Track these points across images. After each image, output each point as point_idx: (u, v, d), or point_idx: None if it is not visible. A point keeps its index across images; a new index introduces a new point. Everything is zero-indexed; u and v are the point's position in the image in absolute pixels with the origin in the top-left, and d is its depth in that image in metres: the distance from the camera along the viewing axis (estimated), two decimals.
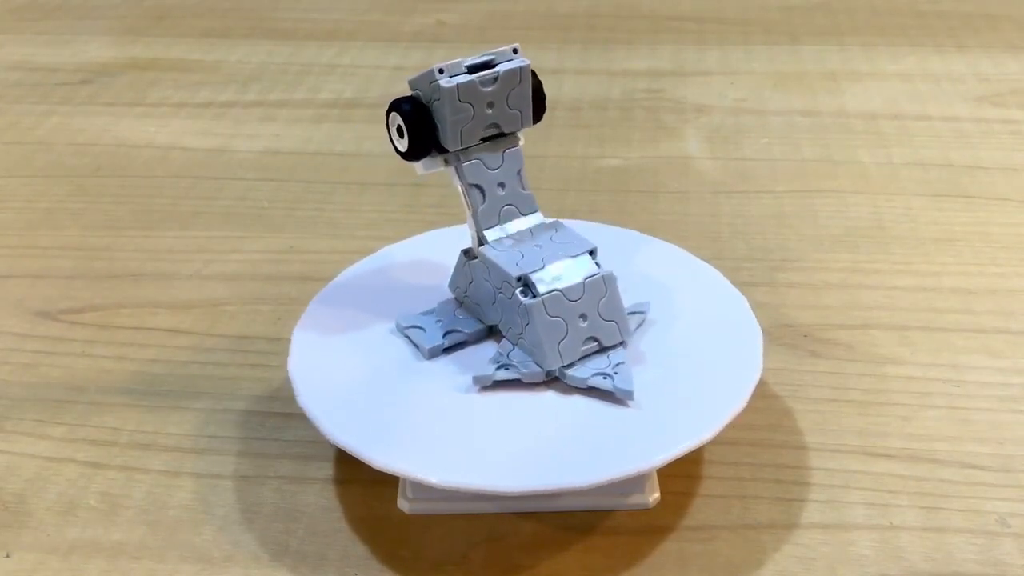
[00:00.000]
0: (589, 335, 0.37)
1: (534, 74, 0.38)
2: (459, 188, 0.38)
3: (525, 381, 0.37)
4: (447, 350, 0.39)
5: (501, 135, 0.38)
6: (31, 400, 0.44)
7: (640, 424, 0.35)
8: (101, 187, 0.61)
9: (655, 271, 0.42)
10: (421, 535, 0.37)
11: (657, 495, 0.38)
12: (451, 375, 0.38)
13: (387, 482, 0.38)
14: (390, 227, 0.55)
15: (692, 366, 0.37)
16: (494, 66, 0.37)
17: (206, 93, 0.72)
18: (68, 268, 0.53)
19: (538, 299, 0.36)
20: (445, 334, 0.39)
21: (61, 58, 0.79)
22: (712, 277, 0.42)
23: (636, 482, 0.37)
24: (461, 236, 0.44)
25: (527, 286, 0.37)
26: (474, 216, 0.38)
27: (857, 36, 0.79)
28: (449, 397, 0.37)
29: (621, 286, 0.38)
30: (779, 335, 0.46)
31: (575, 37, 0.81)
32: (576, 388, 0.36)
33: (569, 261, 0.37)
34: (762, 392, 0.43)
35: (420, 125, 0.37)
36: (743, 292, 0.41)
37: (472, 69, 0.36)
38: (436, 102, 0.36)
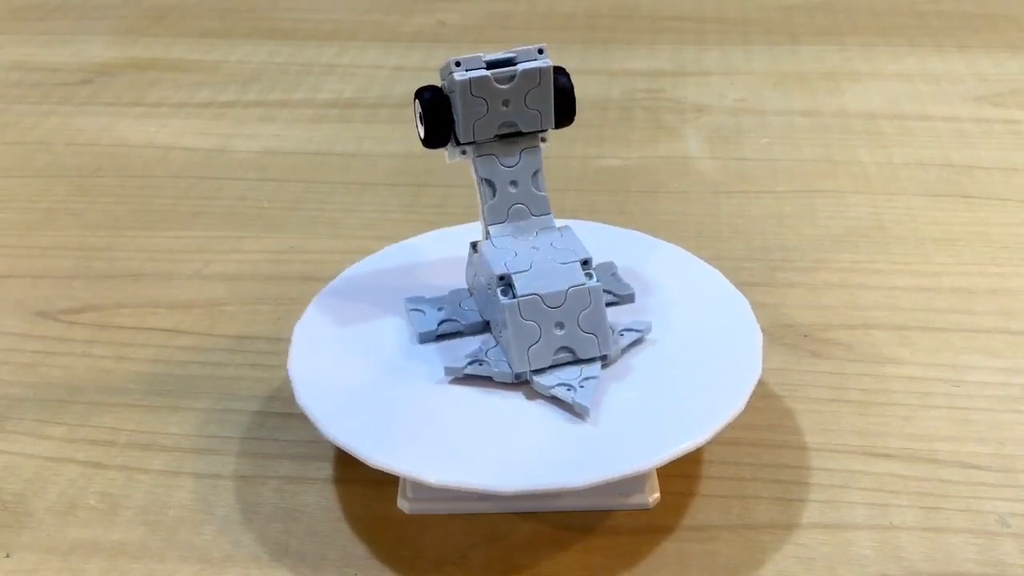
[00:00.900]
0: (564, 344, 0.37)
1: (568, 77, 0.37)
2: (475, 181, 0.38)
3: (496, 380, 0.37)
4: (440, 337, 0.39)
5: (520, 134, 0.38)
6: (31, 400, 0.44)
7: (639, 424, 0.35)
8: (101, 187, 0.61)
9: (655, 271, 0.42)
10: (421, 535, 0.37)
11: (657, 495, 0.38)
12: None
13: (387, 482, 0.38)
14: (390, 227, 0.55)
15: (692, 367, 0.37)
16: (514, 64, 0.37)
17: (206, 93, 0.72)
18: (68, 268, 0.53)
19: (515, 300, 0.36)
20: (441, 322, 0.39)
21: (61, 58, 0.79)
22: (712, 278, 0.42)
23: (636, 482, 0.37)
24: (462, 236, 0.44)
25: (509, 286, 0.37)
26: (482, 210, 0.39)
27: (857, 36, 0.79)
28: (449, 397, 0.37)
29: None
30: (779, 335, 0.46)
31: (575, 37, 0.81)
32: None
33: (558, 267, 0.37)
34: (762, 392, 0.43)
35: (437, 114, 0.37)
36: (743, 292, 0.41)
37: (491, 65, 0.37)
38: (452, 94, 0.37)
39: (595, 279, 0.37)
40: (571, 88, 0.38)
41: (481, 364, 0.37)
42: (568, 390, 0.36)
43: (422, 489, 0.37)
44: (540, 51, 0.37)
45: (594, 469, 0.33)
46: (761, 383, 0.40)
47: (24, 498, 0.39)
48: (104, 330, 0.48)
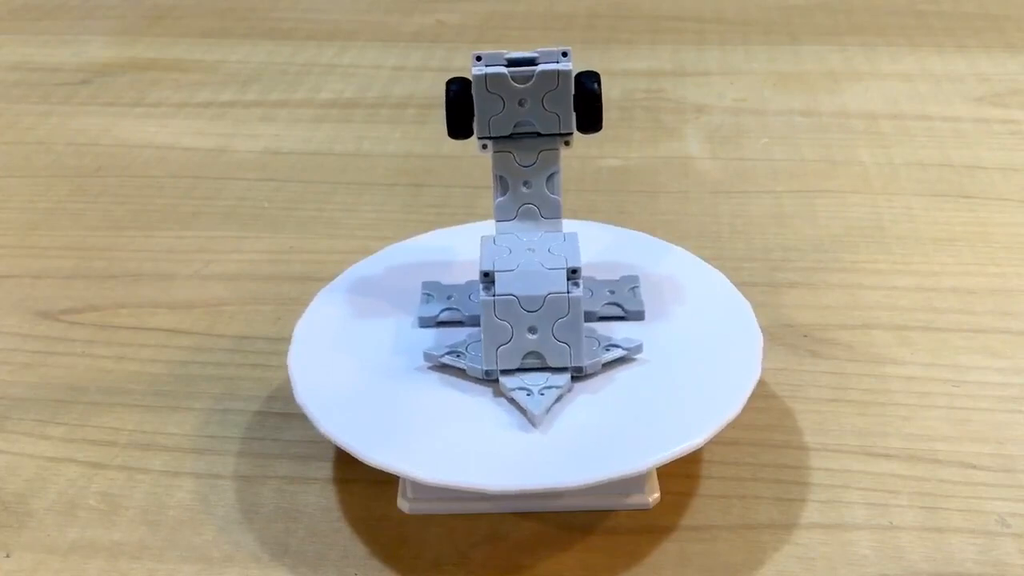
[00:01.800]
0: (533, 349, 0.36)
1: (597, 83, 0.37)
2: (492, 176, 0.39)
3: (469, 374, 0.37)
4: (440, 324, 0.40)
5: (538, 135, 0.38)
6: (31, 400, 0.44)
7: (639, 424, 0.35)
8: (101, 187, 0.61)
9: (656, 271, 0.42)
10: (421, 535, 0.37)
11: (657, 495, 0.38)
12: (451, 375, 0.38)
13: (387, 482, 0.38)
14: (390, 227, 0.55)
15: (692, 367, 0.37)
16: (535, 64, 0.37)
17: (206, 93, 0.72)
18: (68, 268, 0.53)
19: (492, 298, 0.36)
20: (444, 310, 0.40)
21: (61, 58, 0.79)
22: (713, 278, 0.42)
23: (636, 482, 0.37)
24: (462, 236, 0.44)
25: (492, 283, 0.37)
26: (493, 205, 0.39)
27: (857, 36, 0.79)
28: (448, 397, 0.37)
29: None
30: (779, 335, 0.46)
31: (575, 37, 0.81)
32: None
33: (543, 271, 0.37)
34: (762, 392, 0.43)
35: (458, 106, 0.37)
36: (743, 292, 0.41)
37: (512, 63, 0.37)
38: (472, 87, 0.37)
39: (580, 289, 0.36)
40: (597, 94, 0.37)
41: (459, 356, 0.37)
42: (527, 395, 0.36)
43: (422, 489, 0.37)
44: (564, 54, 0.37)
45: (593, 469, 0.33)
46: (761, 383, 0.40)
47: (24, 498, 0.39)
48: (104, 330, 0.48)
